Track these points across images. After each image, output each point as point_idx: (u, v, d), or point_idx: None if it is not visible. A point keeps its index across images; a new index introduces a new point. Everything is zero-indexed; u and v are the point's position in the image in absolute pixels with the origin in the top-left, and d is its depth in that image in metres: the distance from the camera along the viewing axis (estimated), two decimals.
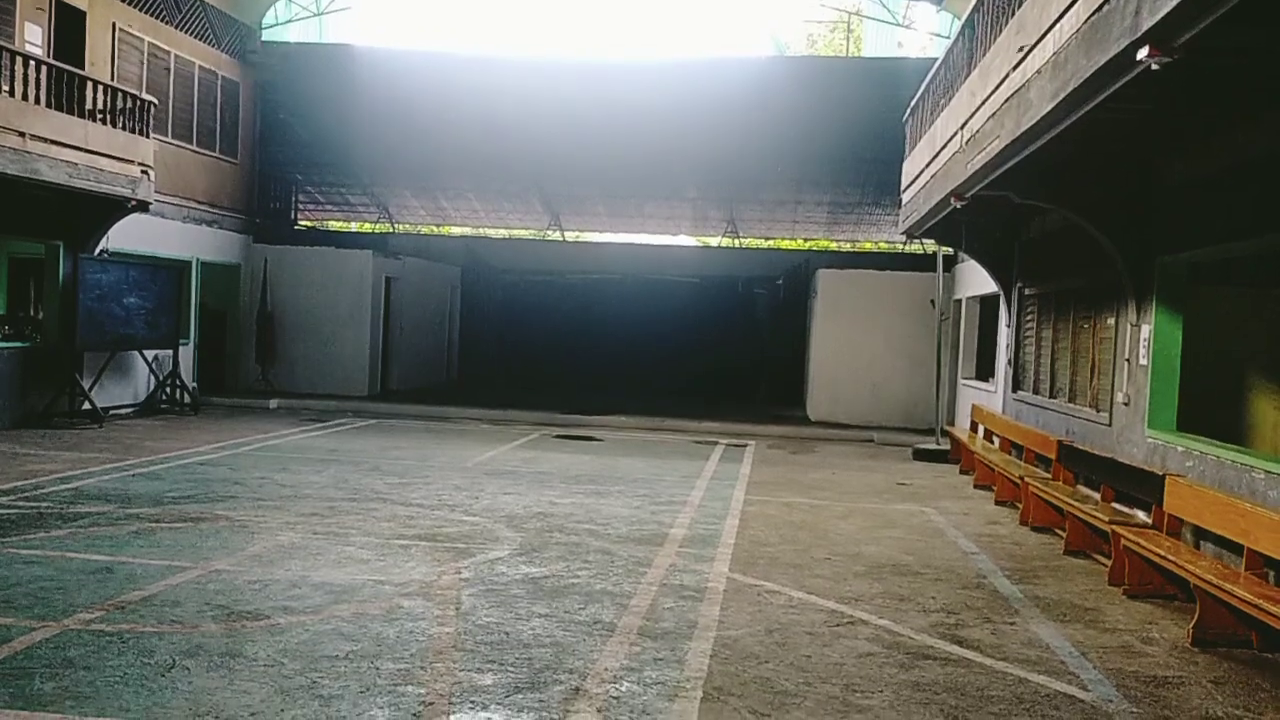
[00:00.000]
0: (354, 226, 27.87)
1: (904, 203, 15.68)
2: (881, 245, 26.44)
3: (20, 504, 9.31)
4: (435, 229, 27.78)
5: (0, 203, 14.08)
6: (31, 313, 17.23)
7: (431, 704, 4.93)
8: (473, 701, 4.99)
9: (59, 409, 15.30)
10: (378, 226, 27.06)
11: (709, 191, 24.62)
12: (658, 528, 9.50)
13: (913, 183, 14.66)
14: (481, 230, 28.27)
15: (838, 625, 6.62)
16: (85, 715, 4.61)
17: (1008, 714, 5.19)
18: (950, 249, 17.58)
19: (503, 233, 28.40)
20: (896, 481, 13.33)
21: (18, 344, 15.34)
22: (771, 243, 27.70)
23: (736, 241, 26.44)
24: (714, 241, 26.91)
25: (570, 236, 27.62)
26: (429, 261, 24.13)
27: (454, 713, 4.84)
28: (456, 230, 28.03)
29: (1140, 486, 8.83)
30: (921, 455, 15.74)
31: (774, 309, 25.02)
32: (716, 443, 16.71)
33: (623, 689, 5.26)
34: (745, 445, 16.57)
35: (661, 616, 6.59)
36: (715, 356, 24.63)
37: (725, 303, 25.31)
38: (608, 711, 4.94)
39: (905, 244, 23.65)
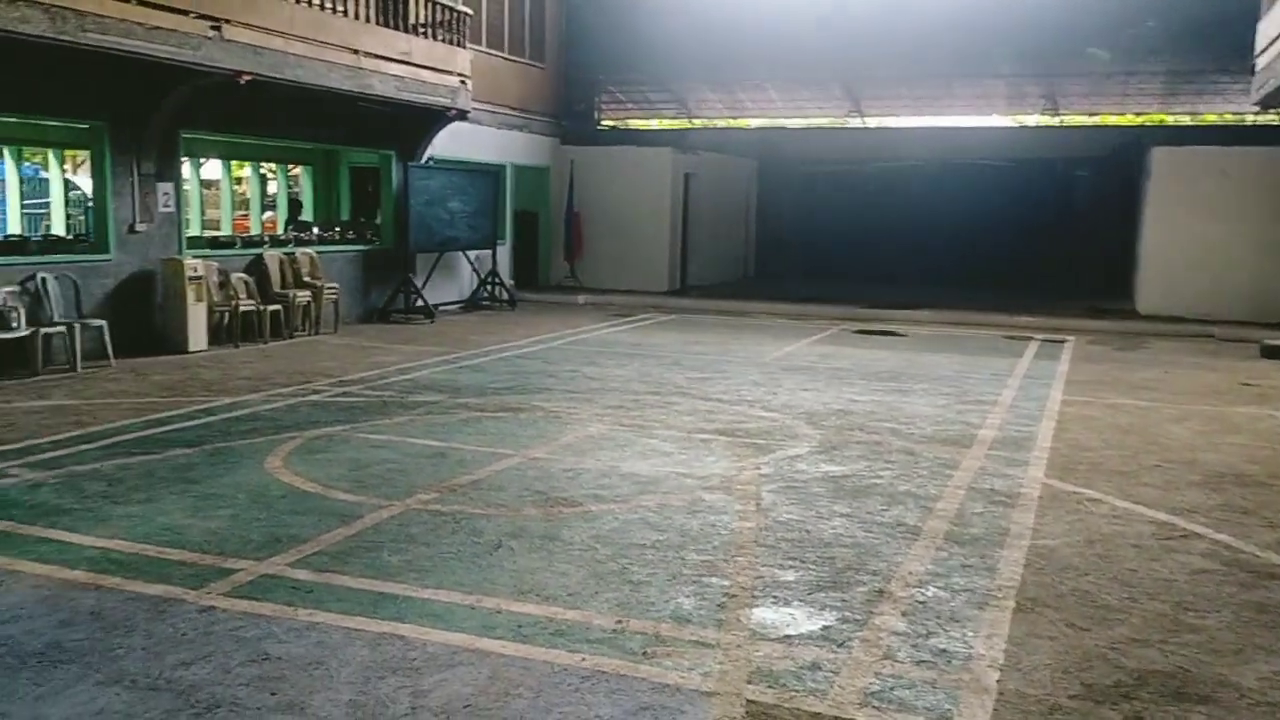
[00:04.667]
0: (654, 124, 28.23)
1: (1258, 69, 13.82)
2: (1227, 118, 23.47)
3: (368, 393, 10.34)
4: (731, 122, 27.61)
5: (339, 117, 15.42)
6: (370, 218, 18.84)
7: (735, 596, 5.04)
8: (775, 596, 5.05)
9: (395, 306, 16.81)
10: (675, 123, 27.26)
11: (1025, 66, 22.71)
12: (965, 428, 9.13)
13: (1270, 45, 12.87)
14: (778, 121, 27.74)
15: (1168, 538, 6.11)
16: (426, 586, 5.08)
17: None
18: None
19: (800, 123, 27.70)
20: (1241, 381, 12.04)
21: (360, 247, 16.91)
22: (1097, 119, 25.34)
23: (1056, 119, 24.41)
24: (1030, 120, 24.95)
25: (871, 123, 26.56)
26: (726, 156, 24.08)
27: (757, 606, 4.92)
28: (753, 122, 27.69)
29: None
30: (1271, 352, 14.12)
31: (1098, 192, 23.07)
32: (1030, 339, 15.78)
33: (929, 594, 5.13)
34: (1063, 341, 15.53)
35: (970, 521, 6.35)
36: (1030, 246, 23.21)
37: (1041, 187, 23.64)
38: (913, 616, 4.84)
39: (1257, 115, 20.91)
